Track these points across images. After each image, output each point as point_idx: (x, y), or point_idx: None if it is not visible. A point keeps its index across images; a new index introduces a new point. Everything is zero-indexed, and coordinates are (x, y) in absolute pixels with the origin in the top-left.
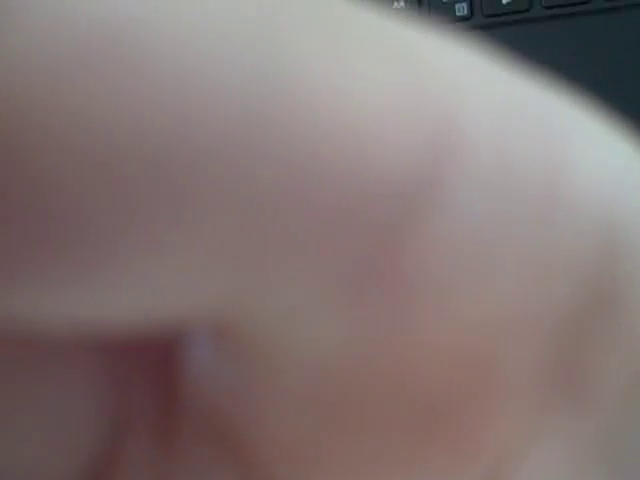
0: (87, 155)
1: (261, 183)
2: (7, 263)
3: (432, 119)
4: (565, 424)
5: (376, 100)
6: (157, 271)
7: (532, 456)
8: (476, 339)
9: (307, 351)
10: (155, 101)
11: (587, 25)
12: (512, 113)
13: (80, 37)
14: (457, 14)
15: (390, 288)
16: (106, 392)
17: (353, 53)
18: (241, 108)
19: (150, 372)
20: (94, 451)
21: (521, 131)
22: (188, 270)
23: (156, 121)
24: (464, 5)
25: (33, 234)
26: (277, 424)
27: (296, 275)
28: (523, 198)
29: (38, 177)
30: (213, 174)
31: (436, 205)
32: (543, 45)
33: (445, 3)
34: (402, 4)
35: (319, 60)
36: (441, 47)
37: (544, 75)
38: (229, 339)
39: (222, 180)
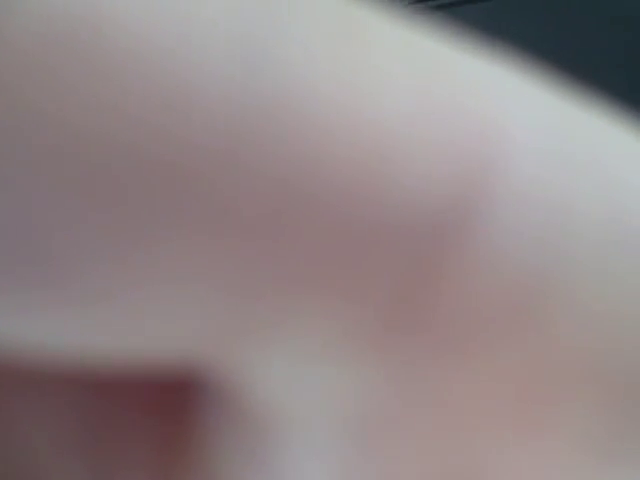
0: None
1: (261, 204)
2: None
3: (469, 139)
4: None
5: (399, 112)
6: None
7: None
8: (529, 383)
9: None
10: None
11: None
12: (556, 134)
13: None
14: None
15: (428, 328)
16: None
17: (371, 60)
18: (236, 106)
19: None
20: None
21: (568, 160)
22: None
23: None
24: None
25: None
26: None
27: (311, 317)
28: (577, 222)
29: None
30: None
31: (470, 239)
32: (510, 21)
33: None
34: None
35: (325, 63)
36: (478, 60)
37: (516, 52)
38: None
39: (218, 199)
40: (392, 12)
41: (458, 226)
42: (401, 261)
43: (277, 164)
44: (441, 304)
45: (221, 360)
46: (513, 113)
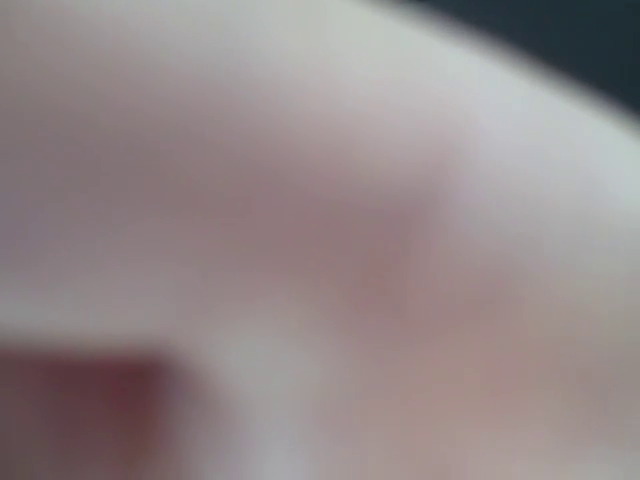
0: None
1: (230, 184)
2: None
3: (435, 125)
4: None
5: (367, 97)
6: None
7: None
8: (494, 364)
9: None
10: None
11: None
12: (528, 119)
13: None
14: None
15: (395, 311)
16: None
17: (339, 45)
18: (209, 87)
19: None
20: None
21: (540, 136)
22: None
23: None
24: None
25: None
26: None
27: (276, 293)
28: (543, 211)
29: None
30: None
31: (436, 222)
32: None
33: None
34: None
35: (297, 49)
36: (451, 49)
37: (490, 40)
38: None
39: (182, 177)
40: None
41: (424, 210)
42: (368, 244)
43: (245, 145)
44: (408, 288)
45: (186, 343)
46: (483, 100)
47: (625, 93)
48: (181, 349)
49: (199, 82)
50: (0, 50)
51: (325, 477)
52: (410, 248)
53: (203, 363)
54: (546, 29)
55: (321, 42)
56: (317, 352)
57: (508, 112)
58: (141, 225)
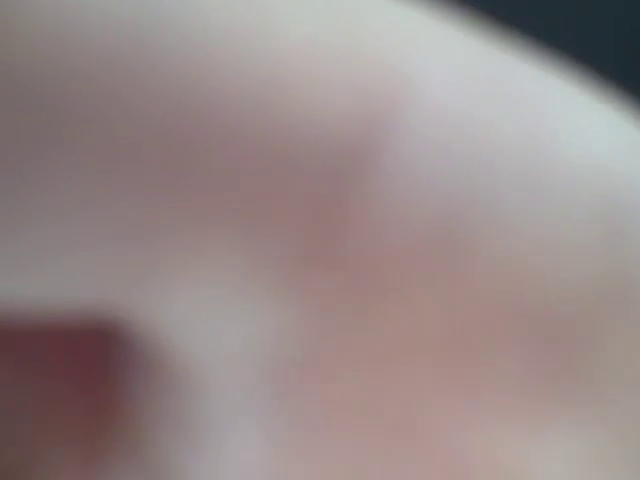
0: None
1: (161, 131)
2: None
3: (372, 81)
4: (571, 425)
5: (302, 52)
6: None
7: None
8: (439, 320)
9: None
10: None
11: None
12: (474, 78)
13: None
14: None
15: (340, 263)
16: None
17: (274, 2)
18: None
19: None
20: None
21: (485, 96)
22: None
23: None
24: None
25: None
26: None
27: (218, 253)
28: (488, 165)
29: None
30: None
31: (379, 166)
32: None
33: None
34: None
35: (233, 10)
36: (391, 8)
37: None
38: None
39: (110, 126)
40: None
41: (361, 162)
42: (308, 196)
43: (179, 94)
44: (351, 239)
45: (132, 306)
46: (422, 60)
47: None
48: (128, 312)
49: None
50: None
51: (279, 437)
52: (349, 200)
53: (151, 325)
54: None
55: (263, 3)
56: (262, 305)
57: (450, 71)
58: (77, 188)
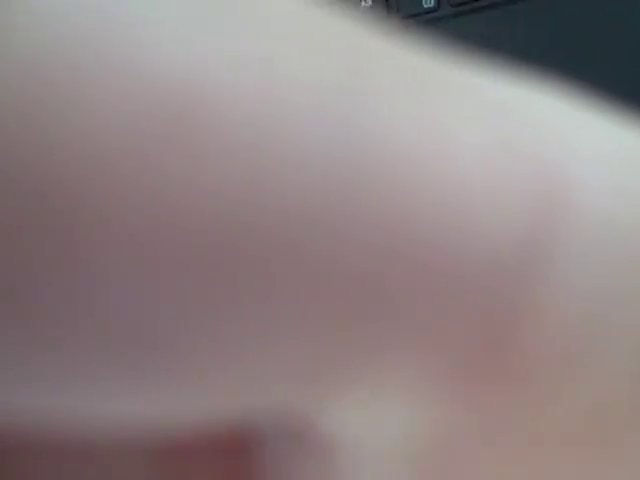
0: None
1: (354, 264)
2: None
3: (532, 180)
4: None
5: (468, 162)
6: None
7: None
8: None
9: (398, 443)
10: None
11: (562, 6)
12: (627, 171)
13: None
14: (424, 6)
15: (505, 368)
16: None
17: (438, 112)
18: (324, 175)
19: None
20: None
21: (626, 175)
22: (260, 369)
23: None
24: None
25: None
26: None
27: (387, 363)
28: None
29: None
30: (296, 250)
31: (545, 275)
32: (516, 29)
33: None
34: (370, 2)
35: (404, 123)
36: (536, 97)
37: (526, 60)
38: (304, 435)
39: (312, 261)
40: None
41: (531, 268)
42: (478, 312)
43: (369, 226)
44: (516, 353)
45: (301, 411)
46: (577, 151)
47: None
48: (292, 418)
49: (325, 172)
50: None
51: None
52: (518, 313)
53: (315, 432)
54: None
55: (426, 113)
56: (421, 417)
57: (599, 158)
58: (265, 298)
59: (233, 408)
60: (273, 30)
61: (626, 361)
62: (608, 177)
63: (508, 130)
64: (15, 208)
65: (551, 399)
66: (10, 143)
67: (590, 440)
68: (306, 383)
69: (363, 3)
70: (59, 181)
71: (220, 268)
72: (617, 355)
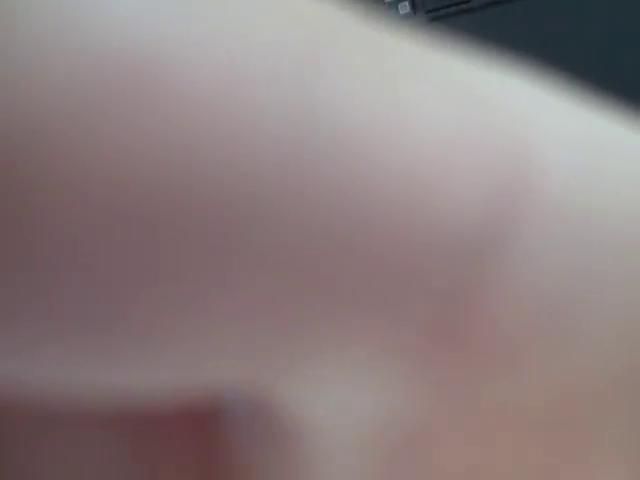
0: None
1: (312, 233)
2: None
3: (500, 160)
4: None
5: (435, 139)
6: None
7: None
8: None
9: (353, 426)
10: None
11: (530, 9)
12: (593, 154)
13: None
14: (400, 12)
15: (460, 349)
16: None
17: (404, 88)
18: (282, 154)
19: (181, 446)
20: None
21: (606, 174)
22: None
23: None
24: (406, 4)
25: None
26: None
27: (347, 338)
28: (614, 254)
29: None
30: (259, 223)
31: (507, 258)
32: (488, 33)
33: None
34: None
35: (366, 94)
36: (507, 80)
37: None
38: (266, 408)
39: (267, 230)
40: (412, 32)
41: (494, 245)
42: (442, 281)
43: (331, 195)
44: (476, 323)
45: (257, 384)
46: (544, 131)
47: None
48: (252, 390)
49: (287, 140)
50: None
51: None
52: (482, 282)
53: (274, 401)
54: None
55: (391, 89)
56: (386, 385)
57: (567, 139)
58: (224, 273)
59: (195, 380)
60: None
61: (594, 343)
62: (576, 159)
63: (477, 109)
64: None
65: (516, 378)
66: None
67: (558, 424)
68: (265, 355)
69: None
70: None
71: (177, 234)
72: (583, 337)
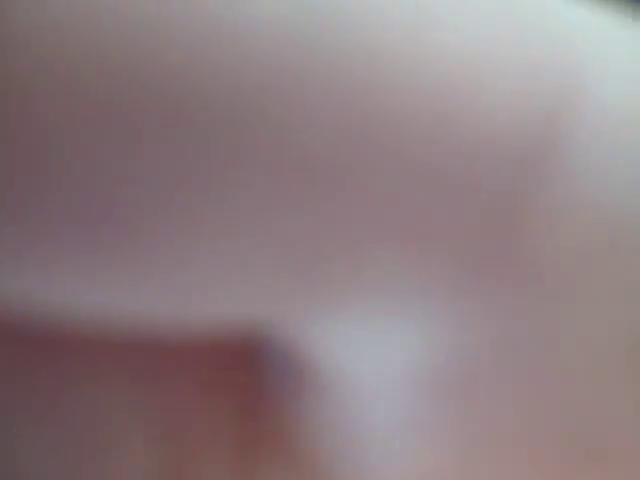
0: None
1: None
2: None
3: (551, 76)
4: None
5: (472, 51)
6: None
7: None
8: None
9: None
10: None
11: None
12: (632, 67)
13: None
14: None
15: (508, 267)
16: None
17: (453, 8)
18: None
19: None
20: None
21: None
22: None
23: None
24: None
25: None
26: None
27: (394, 258)
28: None
29: None
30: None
31: (555, 171)
32: None
33: None
34: None
35: (399, 7)
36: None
37: None
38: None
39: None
40: None
41: (537, 161)
42: (483, 200)
43: (358, 112)
44: (523, 242)
45: (291, 320)
46: (591, 54)
47: None
48: (285, 327)
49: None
50: None
51: (439, 447)
52: (524, 202)
53: (307, 338)
54: None
55: (430, 6)
56: (425, 321)
57: (615, 63)
58: (240, 204)
59: (225, 312)
60: None
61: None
62: (621, 78)
63: (520, 27)
64: None
65: (572, 309)
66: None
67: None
68: (296, 290)
69: None
70: None
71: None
72: (628, 254)
